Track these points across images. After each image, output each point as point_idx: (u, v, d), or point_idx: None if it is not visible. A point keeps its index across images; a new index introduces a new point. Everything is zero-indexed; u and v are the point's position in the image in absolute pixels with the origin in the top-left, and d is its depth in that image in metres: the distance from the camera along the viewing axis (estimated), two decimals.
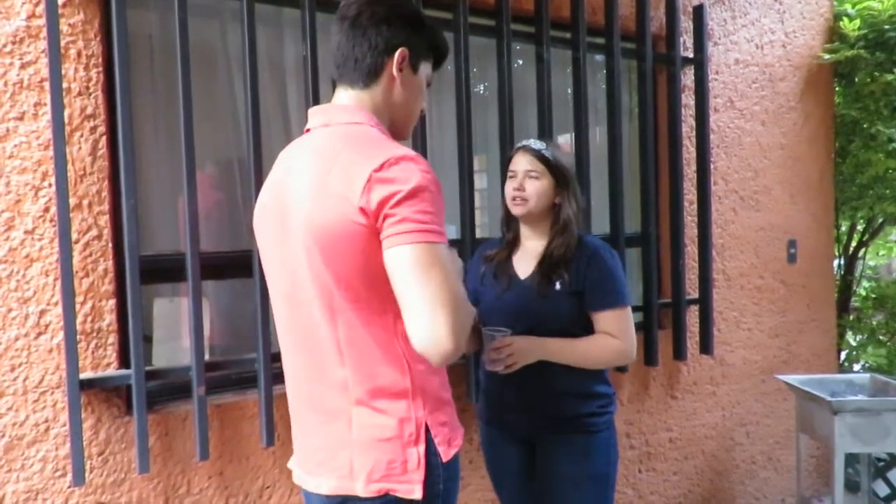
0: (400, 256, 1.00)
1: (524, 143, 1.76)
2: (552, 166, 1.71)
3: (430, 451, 1.10)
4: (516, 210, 1.73)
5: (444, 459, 1.11)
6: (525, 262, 1.76)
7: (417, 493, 1.08)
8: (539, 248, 1.74)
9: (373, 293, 1.06)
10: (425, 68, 1.22)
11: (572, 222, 1.72)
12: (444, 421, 1.13)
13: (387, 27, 1.14)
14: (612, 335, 1.66)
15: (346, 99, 1.18)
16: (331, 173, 1.05)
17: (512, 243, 1.82)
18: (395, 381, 1.10)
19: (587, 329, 1.69)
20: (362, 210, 1.01)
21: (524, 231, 1.79)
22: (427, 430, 1.11)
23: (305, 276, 1.10)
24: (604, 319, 1.67)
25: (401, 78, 1.17)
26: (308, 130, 1.19)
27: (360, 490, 1.09)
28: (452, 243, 2.24)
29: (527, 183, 1.71)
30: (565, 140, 2.59)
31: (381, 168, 1.01)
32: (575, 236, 1.71)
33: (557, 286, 1.68)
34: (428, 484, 1.09)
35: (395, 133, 1.22)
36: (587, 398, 1.70)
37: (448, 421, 1.15)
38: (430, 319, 0.98)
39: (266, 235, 1.20)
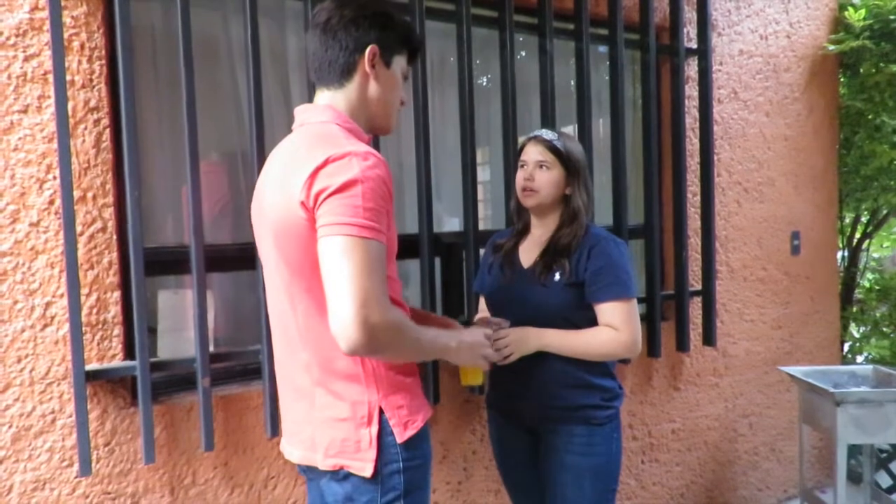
0: (322, 247, 1.07)
1: (536, 132, 1.75)
2: (563, 157, 1.69)
3: (385, 433, 1.18)
4: (526, 201, 1.73)
5: (400, 441, 1.18)
6: (530, 252, 1.76)
7: (368, 472, 1.17)
8: (546, 238, 1.74)
9: (322, 283, 1.11)
10: (399, 63, 1.29)
11: (581, 213, 1.71)
12: (400, 404, 1.20)
13: (355, 28, 1.21)
14: (614, 327, 1.64)
15: (322, 99, 1.26)
16: (288, 171, 1.14)
17: (521, 233, 1.81)
18: (347, 366, 1.18)
19: (592, 320, 1.68)
20: (303, 204, 1.09)
21: (534, 221, 1.79)
22: (381, 413, 1.18)
23: (273, 266, 1.22)
24: (606, 311, 1.65)
25: (374, 74, 1.24)
26: (293, 130, 1.28)
27: (320, 463, 1.21)
28: (456, 236, 2.25)
29: (537, 173, 1.70)
30: (568, 132, 2.59)
31: (324, 164, 1.08)
32: (583, 227, 1.70)
33: (557, 276, 1.67)
34: (382, 463, 1.17)
35: (376, 127, 1.31)
36: (589, 389, 1.68)
37: (405, 404, 1.22)
38: (337, 308, 1.05)
39: (255, 229, 1.31)
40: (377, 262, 1.07)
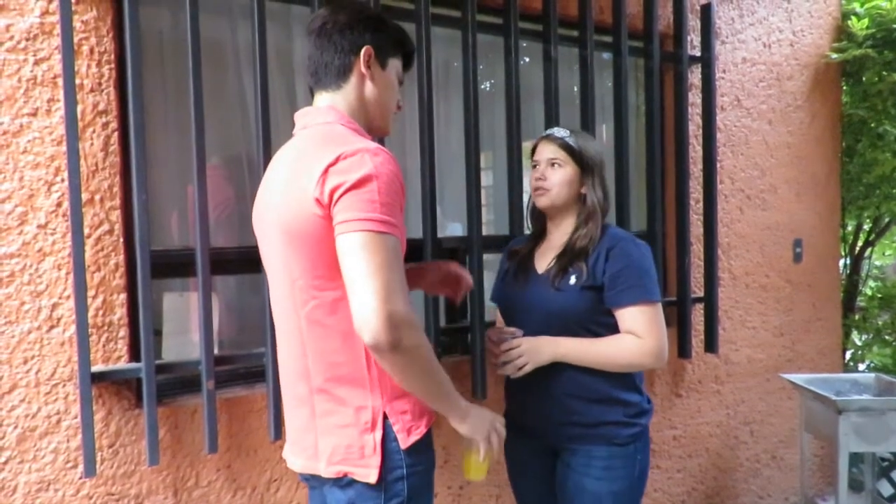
0: (343, 243, 1.08)
1: (548, 131, 1.71)
2: (576, 154, 1.64)
3: (389, 438, 1.17)
4: (539, 201, 1.67)
5: (404, 447, 1.17)
6: (546, 256, 1.69)
7: (372, 478, 1.16)
8: (563, 241, 1.66)
9: (338, 281, 1.11)
10: (394, 65, 1.31)
11: (597, 212, 1.63)
12: (404, 409, 1.19)
13: (350, 31, 1.24)
14: (637, 334, 1.53)
15: (321, 101, 1.27)
16: (297, 171, 1.15)
17: (537, 237, 1.76)
18: (352, 371, 1.17)
19: (612, 328, 1.57)
20: (318, 201, 1.09)
21: (550, 224, 1.72)
22: (385, 418, 1.17)
23: (278, 269, 1.22)
24: (627, 316, 1.54)
25: (369, 74, 1.26)
26: (294, 135, 1.29)
27: (323, 470, 1.20)
28: (459, 241, 2.26)
29: (549, 172, 1.65)
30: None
31: (335, 161, 1.09)
32: (599, 227, 1.62)
33: (572, 280, 1.57)
34: (386, 469, 1.16)
35: (374, 129, 1.32)
36: (610, 404, 1.57)
37: (409, 409, 1.20)
38: (361, 303, 1.04)
39: (258, 234, 1.32)
40: (396, 257, 1.08)
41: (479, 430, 1.27)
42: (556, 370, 1.57)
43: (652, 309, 1.55)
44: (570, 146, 1.65)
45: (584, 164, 1.65)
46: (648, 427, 1.64)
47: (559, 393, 1.59)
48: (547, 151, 1.67)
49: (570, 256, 1.61)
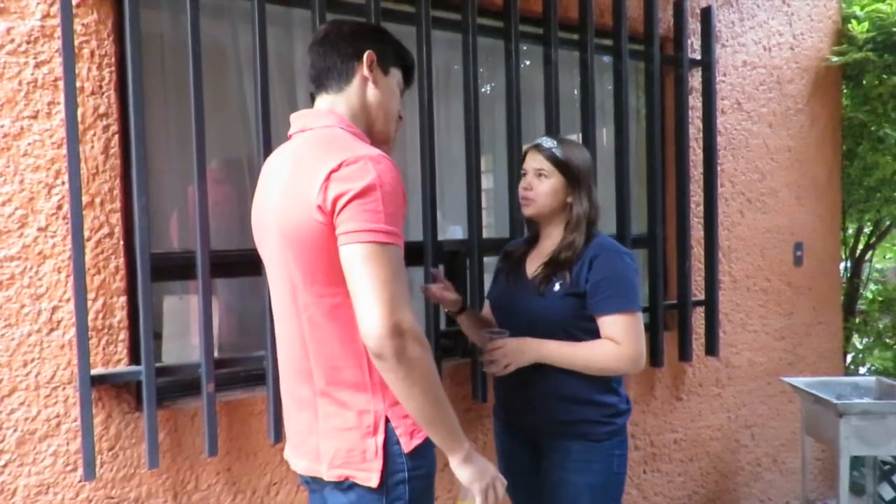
0: (348, 254, 1.08)
1: (536, 141, 1.74)
2: (562, 165, 1.67)
3: (391, 442, 1.17)
4: (524, 210, 1.72)
5: (406, 450, 1.17)
6: (536, 261, 1.74)
7: (374, 482, 1.15)
8: (551, 249, 1.71)
9: (338, 288, 1.12)
10: (395, 75, 1.32)
11: (582, 222, 1.67)
12: (405, 413, 1.18)
13: (353, 38, 1.27)
14: (615, 341, 1.60)
15: (322, 104, 1.28)
16: (298, 175, 1.14)
17: (531, 241, 1.80)
18: (354, 375, 1.17)
19: (594, 333, 1.63)
20: (320, 208, 1.09)
21: (542, 230, 1.77)
22: (387, 422, 1.17)
23: (278, 273, 1.22)
24: (607, 324, 1.61)
25: (372, 78, 1.27)
26: (290, 137, 1.29)
27: (325, 473, 1.20)
28: (460, 244, 2.26)
29: (535, 182, 1.69)
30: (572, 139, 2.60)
31: (338, 167, 1.09)
32: (582, 237, 1.66)
33: (556, 287, 1.64)
34: (388, 472, 1.16)
35: (376, 132, 1.31)
36: (588, 405, 1.64)
37: None
38: (368, 314, 1.05)
39: (257, 237, 1.32)
40: (400, 267, 1.09)
41: (479, 479, 1.22)
42: (538, 371, 1.63)
43: (631, 318, 1.61)
44: (556, 158, 1.68)
45: (571, 175, 1.68)
46: (625, 426, 1.70)
47: (540, 393, 1.66)
48: (534, 162, 1.71)
49: (554, 266, 1.67)
